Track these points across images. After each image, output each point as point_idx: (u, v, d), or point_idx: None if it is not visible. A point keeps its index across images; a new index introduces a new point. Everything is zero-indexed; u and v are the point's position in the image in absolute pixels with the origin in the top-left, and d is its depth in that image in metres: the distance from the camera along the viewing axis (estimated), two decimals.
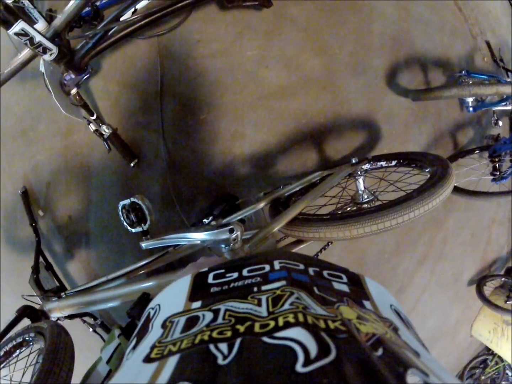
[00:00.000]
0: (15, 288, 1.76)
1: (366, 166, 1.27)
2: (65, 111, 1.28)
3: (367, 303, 0.31)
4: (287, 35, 1.47)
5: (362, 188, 1.17)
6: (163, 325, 0.28)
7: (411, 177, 1.22)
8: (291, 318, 0.24)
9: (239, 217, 1.01)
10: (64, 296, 1.05)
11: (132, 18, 1.16)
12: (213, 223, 0.98)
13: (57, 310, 1.02)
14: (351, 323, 0.25)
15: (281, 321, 0.24)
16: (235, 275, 0.34)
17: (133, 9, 1.19)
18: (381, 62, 1.67)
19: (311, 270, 0.35)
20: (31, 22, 1.03)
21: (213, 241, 0.72)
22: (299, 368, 0.19)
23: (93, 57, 1.24)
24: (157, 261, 0.97)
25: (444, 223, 2.10)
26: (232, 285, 0.32)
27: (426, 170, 1.14)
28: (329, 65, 1.54)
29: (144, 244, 0.83)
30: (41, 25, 1.08)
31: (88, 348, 1.65)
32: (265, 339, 0.22)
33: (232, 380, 0.19)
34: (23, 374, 0.93)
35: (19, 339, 0.94)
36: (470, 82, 1.66)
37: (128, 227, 0.93)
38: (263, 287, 0.30)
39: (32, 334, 0.91)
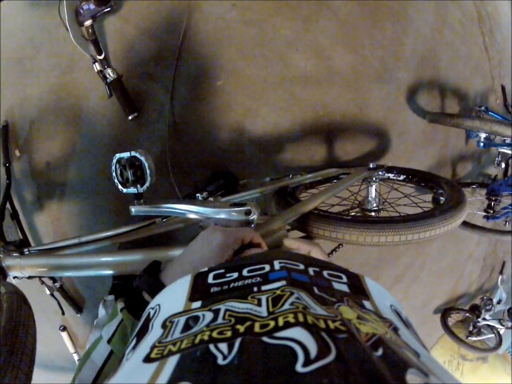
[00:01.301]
0: None
1: (382, 174, 1.23)
2: (75, 40, 1.18)
3: (367, 303, 0.32)
4: (325, 23, 1.41)
5: (373, 195, 1.13)
6: (163, 325, 0.28)
7: (416, 195, 1.21)
8: (291, 318, 0.24)
9: (241, 198, 0.92)
10: (27, 252, 0.90)
11: None
12: (211, 200, 0.89)
13: (17, 268, 0.84)
14: (351, 323, 0.25)
15: (281, 321, 0.24)
16: (235, 275, 0.34)
17: None
18: (406, 76, 1.65)
19: (311, 270, 0.35)
20: None
21: (222, 219, 0.63)
22: (299, 368, 0.19)
23: None
24: (140, 231, 0.84)
25: (425, 248, 2.14)
26: (232, 285, 0.32)
27: (439, 192, 1.12)
28: (358, 65, 1.50)
29: (134, 209, 0.72)
30: None
31: (42, 311, 1.51)
32: (265, 339, 0.22)
33: (232, 380, 0.19)
34: None
35: None
36: (487, 118, 1.68)
37: (119, 186, 0.76)
38: (263, 287, 0.30)
39: None
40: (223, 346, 0.22)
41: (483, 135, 1.71)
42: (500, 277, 2.62)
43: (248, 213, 0.62)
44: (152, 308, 0.33)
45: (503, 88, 2.32)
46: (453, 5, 1.91)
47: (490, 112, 1.80)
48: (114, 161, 0.78)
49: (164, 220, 0.93)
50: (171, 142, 1.33)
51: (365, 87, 1.52)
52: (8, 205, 1.27)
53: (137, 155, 0.75)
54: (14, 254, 0.89)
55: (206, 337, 0.23)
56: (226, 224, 0.65)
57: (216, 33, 1.33)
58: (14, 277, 0.88)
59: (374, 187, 1.15)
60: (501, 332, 2.59)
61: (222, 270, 0.36)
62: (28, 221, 1.48)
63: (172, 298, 0.33)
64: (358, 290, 0.34)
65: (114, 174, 0.78)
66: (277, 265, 0.35)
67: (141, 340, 0.28)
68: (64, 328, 1.47)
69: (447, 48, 1.85)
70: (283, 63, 1.37)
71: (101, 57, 1.29)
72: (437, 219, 0.83)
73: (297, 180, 1.13)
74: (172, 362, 0.21)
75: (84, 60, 1.30)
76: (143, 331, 0.30)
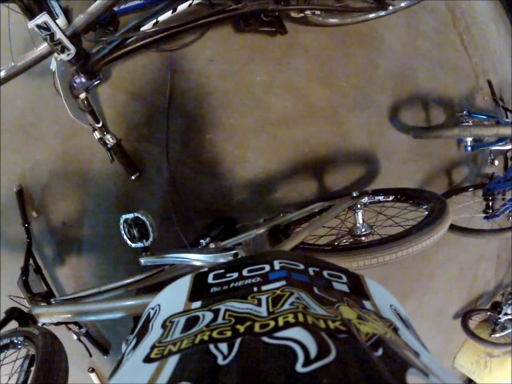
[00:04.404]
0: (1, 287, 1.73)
1: (365, 200, 1.30)
2: (73, 114, 1.26)
3: (367, 303, 0.31)
4: (297, 63, 1.50)
5: (361, 221, 1.20)
6: (163, 325, 0.28)
7: (408, 213, 1.25)
8: (291, 318, 0.24)
9: (238, 241, 1.02)
10: (54, 302, 1.04)
11: (152, 29, 1.15)
12: (212, 245, 0.99)
13: (46, 315, 0.99)
14: (351, 323, 0.25)
15: (281, 321, 0.24)
16: (235, 275, 0.34)
17: (155, 21, 1.18)
18: (385, 98, 1.70)
19: (311, 270, 0.35)
20: (52, 16, 0.96)
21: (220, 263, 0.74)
22: (299, 368, 0.19)
23: (107, 63, 1.21)
24: (152, 278, 0.97)
25: (432, 258, 2.12)
26: (232, 285, 0.32)
27: (424, 207, 1.17)
28: (335, 97, 1.57)
29: (143, 260, 0.84)
30: (61, 22, 1.01)
31: (70, 354, 1.62)
32: (265, 339, 0.22)
33: (232, 380, 0.19)
34: (9, 378, 0.92)
35: (6, 341, 0.92)
36: (471, 122, 1.71)
37: (128, 242, 0.92)
38: (263, 287, 0.31)
39: (21, 338, 0.89)
40: (223, 346, 0.22)
41: (469, 139, 1.73)
42: None
43: (235, 255, 0.72)
44: (152, 308, 0.33)
45: (489, 83, 2.30)
46: (425, 12, 1.92)
47: (473, 115, 1.82)
48: (121, 221, 0.93)
49: (172, 266, 1.04)
50: (171, 195, 1.44)
51: (344, 117, 1.58)
52: (31, 261, 1.40)
53: (139, 215, 0.90)
54: (42, 304, 1.04)
55: (206, 337, 0.23)
56: None
57: (198, 89, 1.44)
58: (43, 324, 1.02)
59: (360, 213, 1.22)
60: None
61: (222, 270, 0.35)
62: (51, 275, 1.60)
63: (172, 298, 0.33)
64: (358, 290, 0.34)
65: (122, 232, 0.93)
66: (277, 265, 0.34)
67: (141, 340, 0.28)
68: (92, 370, 1.57)
69: (423, 60, 1.88)
70: (263, 108, 1.46)
71: (99, 125, 1.38)
72: (413, 236, 0.89)
73: (287, 218, 1.21)
74: (172, 362, 0.22)
75: (84, 128, 1.41)
76: (143, 331, 0.30)
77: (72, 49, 1.06)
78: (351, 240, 1.19)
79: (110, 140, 1.41)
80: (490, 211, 1.79)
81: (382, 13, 1.45)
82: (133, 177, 1.43)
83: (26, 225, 1.48)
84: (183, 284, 0.35)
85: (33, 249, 1.45)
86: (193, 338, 0.24)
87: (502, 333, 2.38)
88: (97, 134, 1.39)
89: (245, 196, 1.50)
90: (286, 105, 1.49)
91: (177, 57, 1.41)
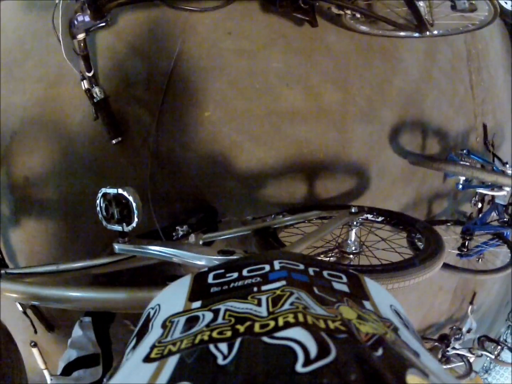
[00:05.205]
0: None
1: (363, 217, 1.27)
2: (66, 54, 1.14)
3: (367, 303, 0.32)
4: (317, 59, 1.44)
5: (353, 239, 1.16)
6: (163, 325, 0.28)
7: (397, 238, 1.23)
8: (291, 318, 0.24)
9: (224, 237, 0.94)
10: (4, 274, 0.89)
11: None
12: (193, 237, 0.89)
13: None
14: (351, 323, 0.25)
15: (281, 321, 0.24)
16: (235, 275, 0.34)
17: None
18: (391, 115, 1.69)
19: (311, 270, 0.35)
20: None
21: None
22: (299, 368, 0.19)
23: (119, 5, 1.11)
24: (120, 263, 0.84)
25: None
26: (232, 285, 0.32)
27: (416, 236, 1.16)
28: (345, 104, 1.53)
29: (118, 247, 0.72)
30: None
31: (14, 326, 1.47)
32: (265, 339, 0.22)
33: (232, 380, 0.19)
34: None
35: None
36: (468, 162, 1.74)
37: (103, 221, 0.74)
38: (263, 287, 0.31)
39: None
40: (223, 346, 0.22)
41: (462, 178, 1.77)
42: (470, 307, 2.69)
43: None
44: (152, 308, 0.33)
45: (484, 127, 2.39)
46: (444, 43, 1.96)
47: (472, 155, 1.86)
48: (99, 195, 0.75)
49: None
50: (152, 170, 1.31)
51: (350, 125, 1.55)
52: None
53: (125, 193, 0.72)
54: None
55: (206, 337, 0.23)
56: None
57: (208, 60, 1.33)
58: None
59: (354, 231, 1.18)
60: (471, 360, 2.67)
61: (222, 270, 0.36)
62: (3, 236, 1.43)
63: (172, 298, 0.33)
64: (358, 290, 0.34)
65: (98, 208, 0.75)
66: (277, 265, 0.35)
67: (141, 340, 0.28)
68: (35, 344, 1.45)
69: (433, 88, 1.90)
70: (272, 97, 1.38)
71: (90, 74, 1.26)
72: (417, 268, 0.88)
73: (279, 221, 1.14)
74: (172, 362, 0.22)
75: (72, 75, 1.27)
76: (143, 331, 0.30)
77: None
78: (338, 255, 1.15)
79: (98, 93, 1.28)
80: (465, 250, 1.84)
81: (416, 34, 1.42)
82: (114, 141, 1.29)
83: None
84: (183, 284, 0.34)
85: None
86: (193, 338, 0.24)
87: (447, 366, 2.50)
88: (85, 84, 1.27)
89: (232, 186, 1.41)
90: (296, 99, 1.42)
91: (193, 20, 1.29)
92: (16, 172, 1.37)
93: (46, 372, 1.49)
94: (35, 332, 1.39)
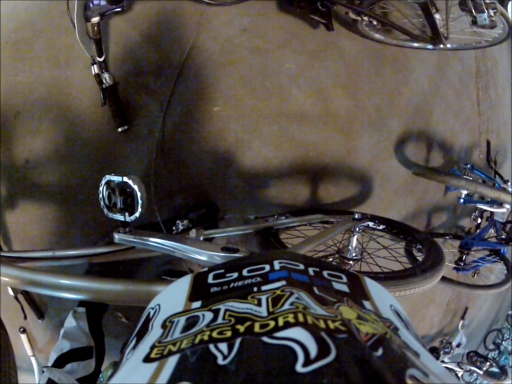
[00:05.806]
0: None
1: (366, 224, 1.26)
2: (79, 36, 1.13)
3: (367, 303, 0.32)
4: (329, 63, 1.44)
5: (354, 245, 1.15)
6: (163, 325, 0.28)
7: (394, 248, 1.23)
8: (291, 318, 0.24)
9: (225, 234, 0.92)
10: None
11: None
12: (193, 232, 0.87)
13: None
14: (351, 323, 0.25)
15: (281, 321, 0.24)
16: (235, 275, 0.34)
17: None
18: (398, 125, 1.69)
19: (311, 270, 0.35)
20: None
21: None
22: (299, 368, 0.19)
23: None
24: (118, 253, 0.82)
25: None
26: (232, 285, 0.32)
27: (416, 247, 1.15)
28: (354, 110, 1.52)
29: (118, 236, 0.69)
30: None
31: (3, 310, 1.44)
32: (265, 339, 0.22)
33: (232, 380, 0.19)
34: None
35: None
36: (471, 177, 1.75)
37: (105, 209, 0.70)
38: (263, 287, 0.31)
39: None
40: (223, 346, 0.22)
41: (464, 192, 1.77)
42: (461, 321, 2.71)
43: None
44: (152, 308, 0.33)
45: (488, 143, 2.41)
46: (455, 58, 1.98)
47: (475, 170, 1.87)
48: (103, 182, 0.72)
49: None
50: (157, 161, 1.30)
51: (357, 132, 1.55)
52: None
53: (130, 182, 0.69)
54: None
55: (206, 337, 0.23)
56: None
57: (221, 55, 1.32)
58: None
59: (356, 237, 1.17)
60: (459, 374, 2.68)
61: (222, 270, 0.36)
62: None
63: (172, 298, 0.33)
64: (358, 290, 0.34)
65: (101, 195, 0.72)
66: (277, 265, 0.35)
67: (141, 340, 0.28)
68: (24, 330, 1.43)
69: (441, 101, 1.91)
70: (282, 98, 1.37)
71: (101, 59, 1.25)
72: (417, 278, 0.88)
73: (282, 222, 1.13)
74: (172, 362, 0.22)
75: (82, 59, 1.25)
76: (143, 331, 0.30)
77: None
78: (339, 261, 1.14)
79: (107, 79, 1.26)
80: (462, 264, 1.85)
81: (429, 46, 1.42)
82: (120, 129, 1.27)
83: None
84: (183, 284, 0.34)
85: None
86: (193, 338, 0.24)
87: None
88: (95, 69, 1.25)
89: (236, 184, 1.40)
90: (306, 101, 1.41)
91: (210, 13, 1.28)
92: (17, 153, 1.35)
93: (33, 359, 1.47)
94: (25, 318, 1.36)
